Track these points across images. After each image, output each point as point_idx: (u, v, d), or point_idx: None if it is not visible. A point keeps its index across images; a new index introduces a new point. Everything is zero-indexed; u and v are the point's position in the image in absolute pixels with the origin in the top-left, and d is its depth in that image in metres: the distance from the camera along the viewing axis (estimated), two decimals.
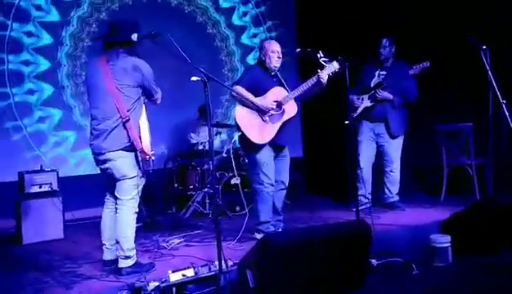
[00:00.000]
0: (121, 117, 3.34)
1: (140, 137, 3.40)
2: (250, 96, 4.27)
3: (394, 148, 5.43)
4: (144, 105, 3.59)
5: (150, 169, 3.52)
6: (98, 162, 3.51)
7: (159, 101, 3.62)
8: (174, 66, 5.95)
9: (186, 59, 3.07)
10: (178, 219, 5.51)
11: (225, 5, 7.26)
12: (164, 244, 4.33)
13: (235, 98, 4.34)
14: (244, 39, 7.44)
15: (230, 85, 4.29)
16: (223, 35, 7.23)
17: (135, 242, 3.63)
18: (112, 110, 3.37)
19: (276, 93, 4.38)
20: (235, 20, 7.35)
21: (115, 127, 3.37)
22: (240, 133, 4.37)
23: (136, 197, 3.53)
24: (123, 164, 3.41)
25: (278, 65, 4.43)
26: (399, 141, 5.45)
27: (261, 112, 4.32)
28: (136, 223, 5.02)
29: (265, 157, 4.37)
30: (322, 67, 4.13)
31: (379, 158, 5.53)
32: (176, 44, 3.04)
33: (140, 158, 3.43)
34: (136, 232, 4.71)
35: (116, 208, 3.54)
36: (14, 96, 5.75)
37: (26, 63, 5.84)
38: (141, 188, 3.57)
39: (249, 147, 4.36)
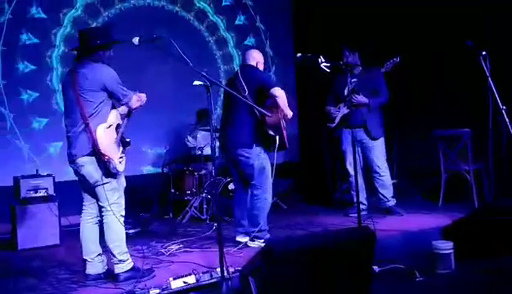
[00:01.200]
0: (84, 122, 3.37)
1: (95, 139, 3.35)
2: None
3: (377, 151, 5.43)
4: (117, 111, 3.56)
5: (117, 172, 3.43)
6: (74, 170, 3.53)
7: (133, 105, 3.56)
8: (172, 70, 5.93)
9: (189, 63, 3.05)
10: (175, 224, 5.46)
11: (225, 2, 7.22)
12: (162, 250, 4.28)
13: (272, 100, 4.19)
14: (245, 42, 7.41)
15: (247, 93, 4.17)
16: (221, 39, 7.20)
17: (130, 247, 3.59)
18: (77, 117, 3.41)
19: None
20: (234, 23, 7.32)
21: (80, 133, 3.40)
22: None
23: (119, 201, 3.50)
24: (93, 169, 3.41)
25: None
26: (381, 144, 5.45)
27: (283, 118, 4.32)
28: (134, 228, 5.02)
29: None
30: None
31: (366, 164, 5.51)
32: (178, 48, 3.01)
33: (100, 161, 3.38)
34: (133, 238, 4.70)
35: (102, 216, 3.53)
36: (7, 100, 5.68)
37: (19, 63, 5.78)
38: (120, 191, 3.52)
39: (267, 155, 4.34)
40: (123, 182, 3.58)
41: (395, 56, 5.12)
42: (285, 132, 4.38)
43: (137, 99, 3.58)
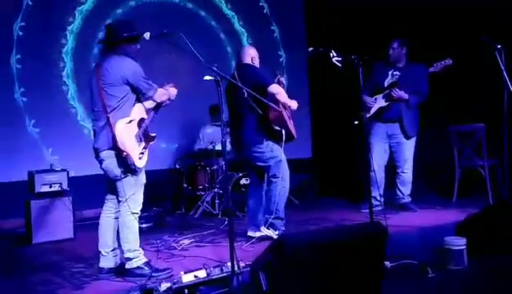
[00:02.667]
0: (106, 116, 3.36)
1: (114, 134, 3.33)
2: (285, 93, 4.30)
3: (407, 148, 5.37)
4: (141, 105, 3.54)
5: (136, 168, 3.39)
6: (99, 164, 3.53)
7: (158, 99, 3.54)
8: (187, 65, 5.95)
9: (199, 57, 3.05)
10: (188, 219, 5.49)
11: None
12: (175, 244, 4.31)
13: (270, 97, 4.17)
14: (256, 37, 7.38)
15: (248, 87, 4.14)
16: (233, 35, 7.18)
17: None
18: (100, 111, 3.41)
19: None
20: (246, 18, 7.30)
21: (103, 127, 3.39)
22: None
23: (135, 197, 3.46)
24: (112, 164, 3.40)
25: None
26: (412, 142, 5.39)
27: (286, 109, 4.33)
28: (147, 223, 5.05)
29: None
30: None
31: (391, 158, 5.47)
32: (189, 43, 3.01)
33: (119, 156, 3.36)
34: (146, 232, 4.73)
35: (119, 211, 3.53)
36: (20, 93, 5.75)
37: (33, 59, 5.82)
38: (138, 188, 3.49)
39: (278, 146, 4.38)
40: (142, 179, 3.53)
41: (447, 58, 4.99)
42: (291, 122, 4.39)
43: (163, 92, 3.56)
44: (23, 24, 5.77)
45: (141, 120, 3.49)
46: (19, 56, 5.74)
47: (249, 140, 4.33)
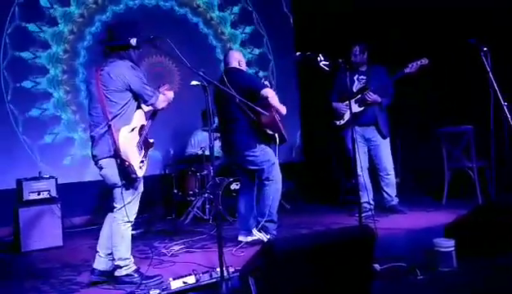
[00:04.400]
0: (107, 123, 3.30)
1: (117, 143, 3.26)
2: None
3: (387, 150, 5.41)
4: (142, 111, 3.50)
5: (137, 177, 3.35)
6: (98, 169, 3.48)
7: (159, 106, 3.50)
8: (178, 70, 5.94)
9: (186, 63, 3.04)
10: (178, 225, 5.47)
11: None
12: (165, 251, 4.29)
13: (263, 101, 4.15)
14: (246, 41, 7.39)
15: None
16: (221, 38, 7.19)
17: (133, 248, 3.57)
18: (100, 117, 3.34)
19: None
20: (235, 23, 7.31)
21: (103, 134, 3.33)
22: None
23: (130, 205, 3.41)
24: (112, 172, 3.34)
25: None
26: (388, 142, 5.44)
27: (276, 112, 4.34)
28: (137, 229, 5.03)
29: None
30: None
31: (371, 163, 5.48)
32: (175, 48, 3.01)
33: (120, 165, 3.30)
34: (137, 239, 4.71)
35: (113, 217, 3.48)
36: (9, 101, 5.70)
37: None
38: (135, 196, 3.45)
39: (271, 149, 4.40)
40: (140, 187, 3.48)
41: (422, 57, 4.96)
42: (281, 125, 4.40)
43: (164, 99, 3.51)
44: (9, 30, 5.73)
45: (142, 127, 3.44)
46: (6, 62, 5.70)
47: (241, 144, 4.32)
